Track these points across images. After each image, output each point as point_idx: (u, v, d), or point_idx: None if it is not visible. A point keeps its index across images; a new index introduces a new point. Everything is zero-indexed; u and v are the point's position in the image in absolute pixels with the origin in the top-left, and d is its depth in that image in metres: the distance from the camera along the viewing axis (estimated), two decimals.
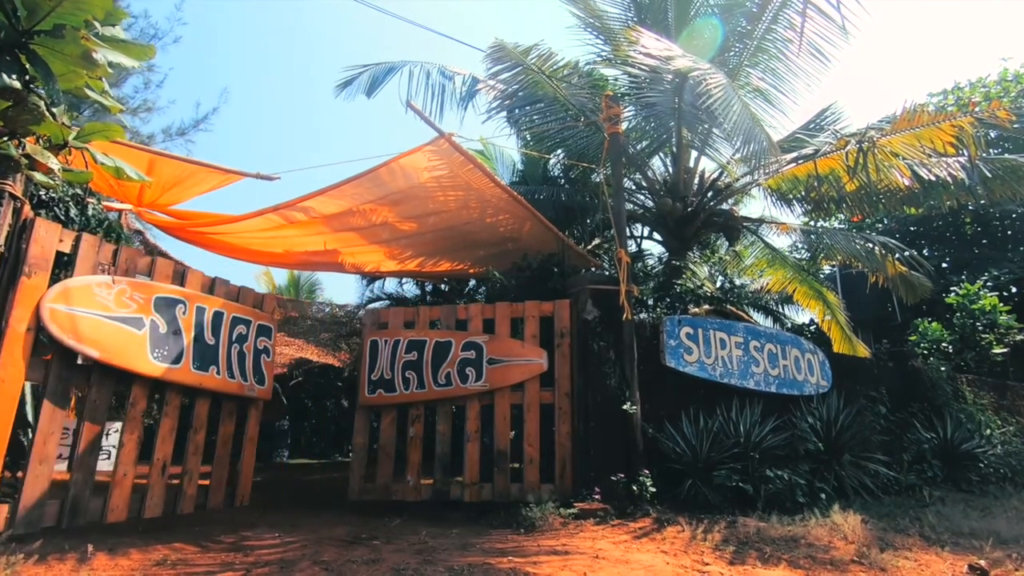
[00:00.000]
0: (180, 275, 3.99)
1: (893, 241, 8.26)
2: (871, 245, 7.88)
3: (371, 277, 10.18)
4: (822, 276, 10.67)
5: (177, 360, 3.73)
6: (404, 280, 10.25)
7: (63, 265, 3.27)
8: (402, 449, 4.81)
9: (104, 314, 3.36)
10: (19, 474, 3.24)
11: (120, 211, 6.34)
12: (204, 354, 3.93)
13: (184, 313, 3.85)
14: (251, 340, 4.42)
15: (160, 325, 3.65)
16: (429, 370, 4.85)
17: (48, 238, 3.19)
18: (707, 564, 2.80)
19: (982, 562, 2.87)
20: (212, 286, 4.23)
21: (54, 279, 3.21)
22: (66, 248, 3.25)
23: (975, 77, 13.40)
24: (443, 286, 9.83)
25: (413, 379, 4.88)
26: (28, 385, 3.66)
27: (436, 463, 4.65)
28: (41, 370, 3.18)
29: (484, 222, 6.36)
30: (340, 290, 40.20)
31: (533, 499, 3.98)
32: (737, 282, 10.22)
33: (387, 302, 10.30)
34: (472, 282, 9.29)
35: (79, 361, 3.31)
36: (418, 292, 10.28)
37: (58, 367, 3.24)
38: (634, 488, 3.99)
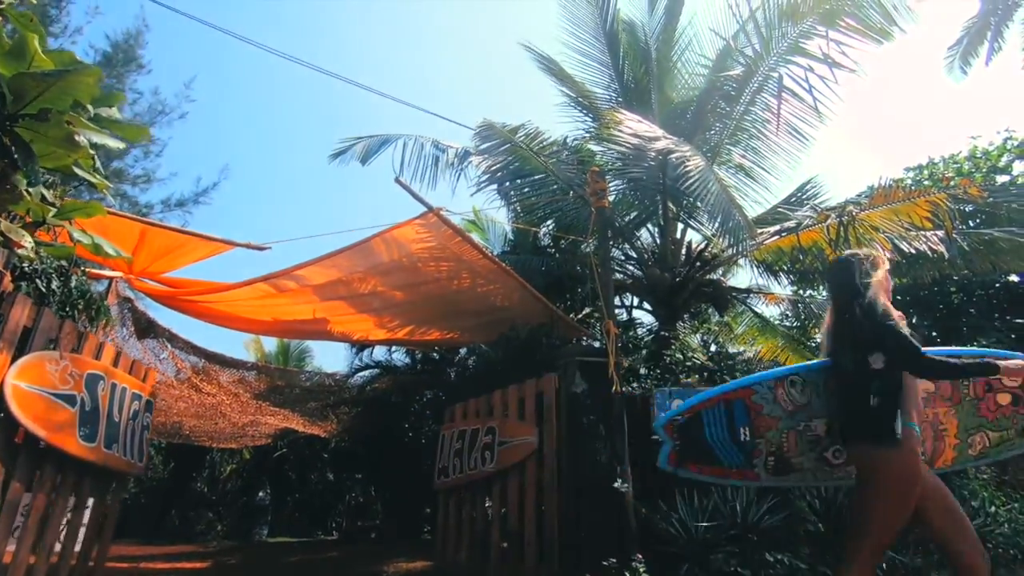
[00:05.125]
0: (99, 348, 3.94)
1: None
2: None
3: (360, 345, 10.08)
4: (813, 345, 10.67)
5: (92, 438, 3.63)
6: (394, 349, 10.15)
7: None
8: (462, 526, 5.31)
9: (50, 391, 3.30)
10: None
11: (111, 279, 6.35)
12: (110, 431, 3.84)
13: (103, 389, 3.78)
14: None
15: (87, 402, 3.59)
16: (466, 456, 5.29)
17: (22, 311, 3.16)
18: None
19: None
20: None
21: None
22: (29, 323, 3.22)
23: (947, 153, 14.00)
24: (434, 354, 9.74)
25: (457, 465, 5.40)
26: None
27: (474, 541, 5.00)
28: None
29: (475, 292, 6.39)
30: (330, 358, 39.66)
31: None
32: (730, 350, 10.18)
33: (376, 371, 10.15)
34: (463, 350, 9.20)
35: (41, 445, 3.25)
36: (408, 361, 10.15)
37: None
38: (627, 574, 3.78)
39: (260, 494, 12.51)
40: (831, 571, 4.38)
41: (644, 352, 6.98)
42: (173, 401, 9.69)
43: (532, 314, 6.37)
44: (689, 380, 6.50)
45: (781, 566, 4.01)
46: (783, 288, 8.86)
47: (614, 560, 3.87)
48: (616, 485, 4.28)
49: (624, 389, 4.87)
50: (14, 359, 3.13)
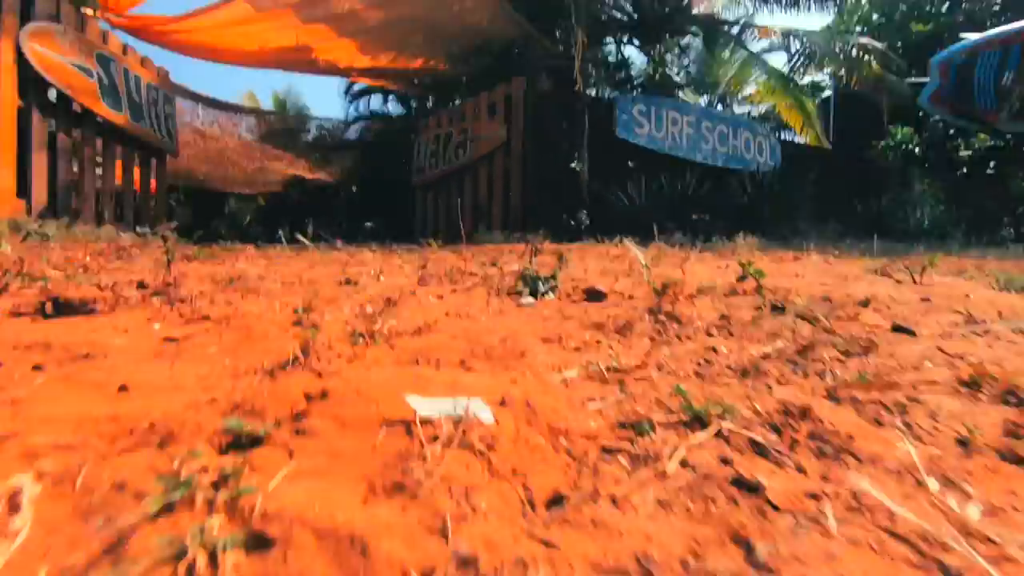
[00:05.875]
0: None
1: (874, 42, 8.06)
2: (850, 46, 7.73)
3: (355, 95, 10.22)
4: (818, 101, 10.46)
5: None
6: (389, 99, 10.28)
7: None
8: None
9: (66, 58, 3.74)
10: None
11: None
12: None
13: (116, 70, 4.22)
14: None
15: (103, 77, 4.04)
16: (441, 155, 6.16)
17: None
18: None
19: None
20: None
21: None
22: None
23: None
24: (428, 103, 9.89)
25: (433, 164, 6.32)
26: None
27: (449, 225, 5.79)
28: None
29: (450, 11, 6.34)
30: (327, 112, 38.84)
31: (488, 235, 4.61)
32: (736, 109, 10.08)
33: (371, 121, 10.44)
34: (457, 100, 9.35)
35: (74, 106, 3.80)
36: (403, 110, 10.35)
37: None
38: (572, 223, 4.59)
39: (279, 235, 13.72)
40: (746, 228, 5.20)
41: (636, 92, 7.05)
42: (180, 146, 10.24)
43: (510, 34, 6.41)
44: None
45: (703, 223, 4.78)
46: (772, 18, 8.47)
47: (566, 216, 4.67)
48: (572, 165, 4.91)
49: (589, 92, 5.25)
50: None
